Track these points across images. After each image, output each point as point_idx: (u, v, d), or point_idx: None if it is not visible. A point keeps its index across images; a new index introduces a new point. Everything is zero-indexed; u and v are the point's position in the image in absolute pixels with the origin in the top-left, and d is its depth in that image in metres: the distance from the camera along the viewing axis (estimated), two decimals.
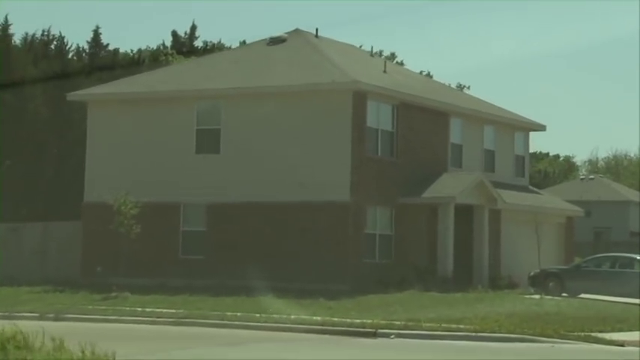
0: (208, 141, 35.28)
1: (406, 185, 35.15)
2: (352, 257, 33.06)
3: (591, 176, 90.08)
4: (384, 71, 37.89)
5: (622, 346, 21.28)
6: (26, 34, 52.66)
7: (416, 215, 35.38)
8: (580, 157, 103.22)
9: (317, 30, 39.41)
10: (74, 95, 38.55)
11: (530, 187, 44.52)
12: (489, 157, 41.19)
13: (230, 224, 34.60)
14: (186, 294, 30.21)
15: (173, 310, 25.89)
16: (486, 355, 19.38)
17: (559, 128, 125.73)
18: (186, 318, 24.65)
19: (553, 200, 45.03)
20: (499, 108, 43.55)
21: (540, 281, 35.39)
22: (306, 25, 39.17)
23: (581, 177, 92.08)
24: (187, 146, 35.59)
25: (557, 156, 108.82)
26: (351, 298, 29.21)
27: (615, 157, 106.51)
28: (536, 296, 32.08)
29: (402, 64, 70.57)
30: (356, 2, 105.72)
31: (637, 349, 20.91)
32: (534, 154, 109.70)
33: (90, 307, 27.64)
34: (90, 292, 31.67)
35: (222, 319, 24.28)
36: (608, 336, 22.38)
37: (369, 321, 23.33)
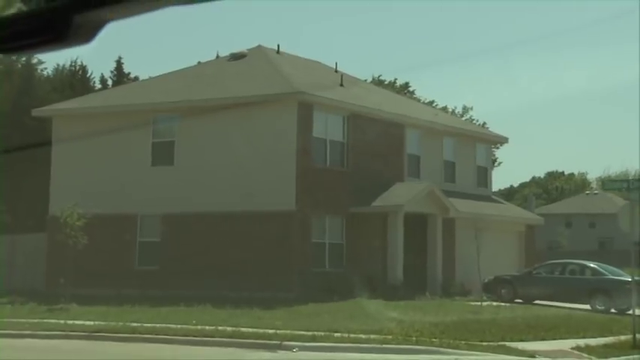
0: (163, 153, 32.73)
1: (358, 195, 32.35)
2: (299, 266, 30.29)
3: (596, 191, 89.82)
4: (341, 85, 35.09)
5: (533, 357, 18.45)
6: (57, 65, 51.92)
7: (367, 224, 32.58)
8: (593, 175, 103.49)
9: (278, 46, 36.88)
10: (39, 111, 36.06)
11: (493, 197, 41.68)
12: (449, 168, 38.43)
13: (183, 235, 32.05)
14: (132, 305, 27.59)
15: (91, 323, 23.03)
16: None
17: (574, 148, 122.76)
18: (97, 332, 21.76)
19: (513, 209, 42.18)
20: (461, 121, 40.85)
21: (494, 288, 32.83)
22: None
23: (587, 192, 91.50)
24: (144, 158, 33.01)
25: (572, 174, 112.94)
26: (289, 307, 26.43)
27: (625, 173, 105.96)
28: (482, 303, 29.24)
29: (412, 92, 68.06)
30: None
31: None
32: (552, 172, 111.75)
33: (23, 320, 24.79)
34: (39, 304, 29.12)
35: (133, 333, 21.39)
36: (523, 346, 19.62)
37: (281, 332, 20.52)
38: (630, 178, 22.01)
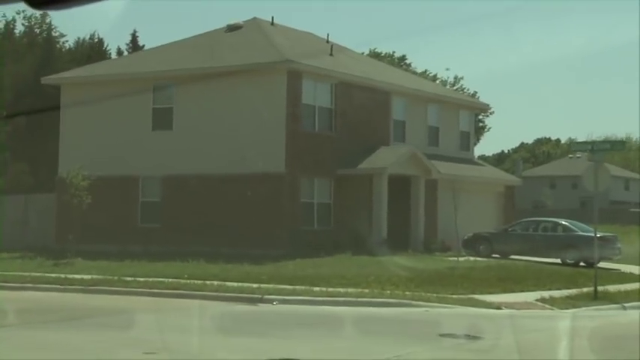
0: (163, 119, 32.20)
1: (345, 158, 31.84)
2: (288, 224, 29.86)
3: (578, 155, 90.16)
4: (331, 54, 34.44)
5: (499, 308, 18.08)
6: (78, 38, 51.38)
7: (354, 185, 32.12)
8: (579, 139, 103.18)
9: (272, 18, 36.24)
10: (48, 79, 35.52)
11: (475, 160, 41.11)
12: (433, 133, 37.85)
13: (182, 195, 31.63)
14: (133, 260, 27.34)
15: (89, 277, 22.64)
16: (342, 323, 16.03)
17: (561, 115, 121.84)
18: (92, 285, 21.37)
19: (493, 172, 41.64)
20: (445, 89, 40.21)
21: (472, 244, 32.52)
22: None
23: (570, 156, 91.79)
24: (145, 124, 32.52)
25: (558, 140, 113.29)
26: (277, 262, 26.00)
27: (607, 139, 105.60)
28: (458, 258, 28.85)
29: (409, 65, 67.24)
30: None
31: (511, 311, 17.71)
32: (540, 139, 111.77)
33: (26, 274, 24.42)
34: (47, 259, 28.80)
35: (126, 286, 21.00)
36: (491, 298, 19.29)
37: (264, 286, 20.13)
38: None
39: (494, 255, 31.55)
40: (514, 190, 40.95)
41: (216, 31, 35.87)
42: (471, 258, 30.13)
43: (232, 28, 35.23)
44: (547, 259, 29.83)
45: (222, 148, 30.74)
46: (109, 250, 30.09)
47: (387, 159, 31.92)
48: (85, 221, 31.58)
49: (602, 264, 30.64)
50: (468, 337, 14.04)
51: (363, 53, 48.93)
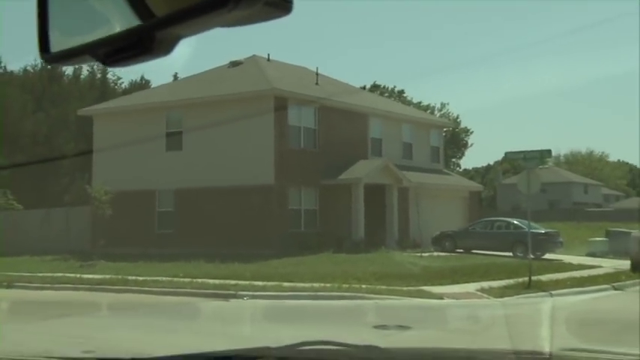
0: (174, 141, 31.15)
1: (328, 171, 30.64)
2: (278, 228, 28.68)
3: (546, 166, 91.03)
4: (317, 83, 33.33)
5: (441, 299, 16.76)
6: (132, 80, 51.03)
7: (336, 194, 30.87)
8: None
9: (269, 55, 35.17)
10: (83, 111, 34.66)
11: (444, 171, 39.72)
12: (407, 148, 36.56)
13: (191, 205, 30.53)
14: (147, 261, 26.20)
15: (100, 277, 21.53)
16: (288, 314, 14.80)
17: (536, 133, 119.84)
18: (98, 284, 20.28)
19: (459, 180, 40.24)
20: (419, 111, 38.98)
21: (439, 241, 31.22)
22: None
23: (540, 167, 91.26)
24: (160, 146, 31.49)
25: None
26: (265, 261, 24.73)
27: (572, 153, 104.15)
28: (422, 254, 27.52)
29: (405, 97, 65.88)
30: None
31: (451, 301, 16.40)
32: (530, 151, 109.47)
33: (48, 274, 23.31)
34: (77, 260, 27.79)
35: (126, 285, 19.85)
36: (438, 289, 17.93)
37: (241, 282, 18.94)
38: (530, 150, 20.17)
39: (457, 250, 30.28)
40: (479, 195, 39.58)
41: (220, 67, 34.87)
42: (435, 253, 28.83)
43: (234, 64, 34.22)
44: (501, 253, 28.53)
45: (222, 164, 29.65)
46: (132, 252, 28.98)
47: (363, 170, 30.69)
48: (112, 228, 30.79)
49: (548, 256, 29.36)
50: (399, 327, 12.76)
51: (364, 87, 47.83)
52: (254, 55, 35.06)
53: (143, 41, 1.18)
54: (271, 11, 1.16)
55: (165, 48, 1.19)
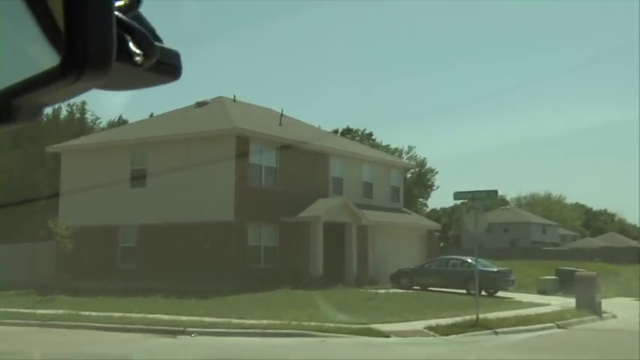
0: (138, 178, 30.45)
1: (288, 208, 30.10)
2: (238, 264, 27.99)
3: (508, 207, 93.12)
4: (280, 124, 32.97)
5: (388, 337, 16.19)
6: (110, 120, 50.96)
7: (296, 231, 30.29)
8: (510, 196, 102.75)
9: (234, 96, 34.82)
10: (52, 148, 33.92)
11: (403, 210, 39.35)
12: (368, 187, 36.17)
13: (153, 240, 29.76)
14: (106, 296, 25.33)
15: (52, 312, 20.67)
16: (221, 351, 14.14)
17: (499, 175, 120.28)
18: (49, 320, 19.42)
19: (418, 219, 39.85)
20: (379, 152, 38.67)
21: (397, 278, 30.67)
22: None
23: (502, 208, 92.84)
24: (125, 182, 30.76)
25: (501, 196, 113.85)
26: (222, 297, 24.04)
27: (532, 195, 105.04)
28: (376, 291, 26.91)
29: (374, 139, 65.68)
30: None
31: (396, 339, 15.82)
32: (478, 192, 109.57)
33: (2, 309, 22.35)
34: (37, 295, 26.85)
35: (75, 321, 19.04)
36: (386, 327, 17.32)
37: (191, 319, 18.22)
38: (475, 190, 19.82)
39: (414, 287, 29.72)
40: (434, 233, 39.16)
41: (187, 107, 34.40)
42: (392, 290, 28.26)
43: (200, 105, 33.77)
44: (455, 290, 28.05)
45: (184, 201, 28.99)
46: (94, 286, 28.11)
47: (322, 208, 30.20)
48: (76, 263, 29.97)
49: (501, 293, 28.96)
50: None
51: (337, 130, 47.28)
52: (220, 97, 34.68)
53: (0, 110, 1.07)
54: (156, 77, 1.05)
55: (28, 116, 1.07)
